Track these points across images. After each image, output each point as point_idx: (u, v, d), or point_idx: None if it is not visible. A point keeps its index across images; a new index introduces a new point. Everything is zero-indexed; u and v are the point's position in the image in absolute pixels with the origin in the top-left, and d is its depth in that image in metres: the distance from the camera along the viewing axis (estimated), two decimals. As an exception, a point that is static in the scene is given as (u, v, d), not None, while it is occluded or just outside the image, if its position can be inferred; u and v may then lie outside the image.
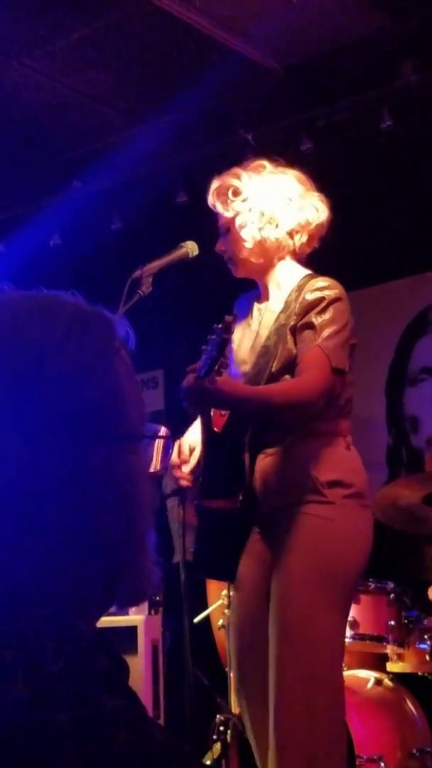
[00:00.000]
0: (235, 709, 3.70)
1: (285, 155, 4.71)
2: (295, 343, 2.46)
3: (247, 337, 2.62)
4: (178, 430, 5.70)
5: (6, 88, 4.41)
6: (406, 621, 3.58)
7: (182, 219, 4.97)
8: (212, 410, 2.51)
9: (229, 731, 3.56)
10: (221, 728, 3.57)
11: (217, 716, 3.62)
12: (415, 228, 5.20)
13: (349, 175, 4.83)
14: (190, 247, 2.69)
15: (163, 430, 0.94)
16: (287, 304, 2.53)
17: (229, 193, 2.53)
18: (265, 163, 2.59)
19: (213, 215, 5.43)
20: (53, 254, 5.36)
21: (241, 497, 2.46)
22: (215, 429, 2.52)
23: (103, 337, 0.86)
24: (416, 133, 4.54)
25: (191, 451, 2.57)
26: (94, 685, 0.72)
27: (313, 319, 2.43)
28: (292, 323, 2.48)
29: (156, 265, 2.59)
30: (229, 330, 2.30)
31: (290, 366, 2.46)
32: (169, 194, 5.05)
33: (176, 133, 4.70)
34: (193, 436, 2.61)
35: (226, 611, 3.85)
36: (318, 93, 4.49)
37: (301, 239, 2.57)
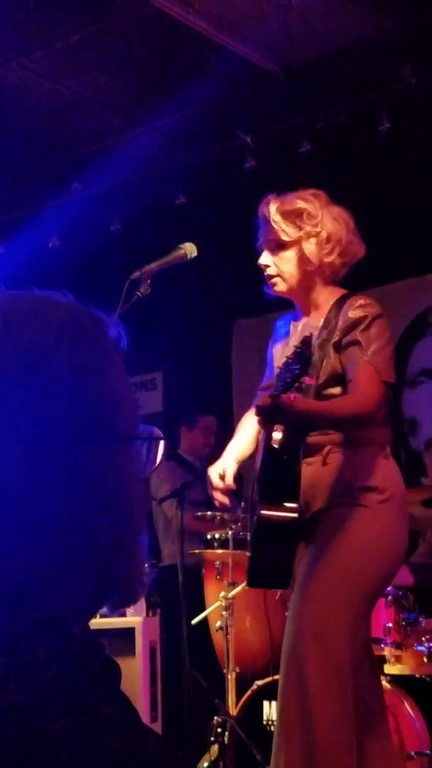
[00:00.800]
0: (233, 710, 3.70)
1: (284, 157, 4.74)
2: (339, 359, 2.60)
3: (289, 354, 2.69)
4: (176, 432, 5.70)
5: (6, 90, 4.42)
6: (404, 623, 3.58)
7: (181, 221, 4.98)
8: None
9: (226, 733, 3.56)
10: (219, 730, 3.57)
11: (215, 718, 3.62)
12: (414, 231, 5.21)
13: (348, 177, 4.83)
14: (189, 249, 2.70)
15: (155, 432, 0.94)
16: (327, 321, 2.66)
17: (304, 216, 2.67)
18: (322, 193, 2.76)
19: (212, 217, 5.43)
20: (52, 256, 5.36)
21: (298, 507, 2.54)
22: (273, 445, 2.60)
23: (95, 338, 0.86)
24: (415, 135, 4.54)
25: (223, 476, 2.72)
26: (88, 690, 0.72)
27: (359, 337, 2.58)
28: (335, 339, 2.61)
29: (155, 266, 2.60)
30: (310, 347, 2.44)
31: (335, 379, 2.60)
32: (168, 196, 5.05)
33: (175, 136, 4.71)
34: (224, 462, 2.77)
35: (223, 613, 3.86)
36: (317, 95, 4.50)
37: (344, 267, 2.76)
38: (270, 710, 3.59)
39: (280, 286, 2.75)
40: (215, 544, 4.16)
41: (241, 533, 4.18)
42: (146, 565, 0.91)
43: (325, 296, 2.72)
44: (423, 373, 5.93)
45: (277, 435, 2.53)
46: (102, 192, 5.05)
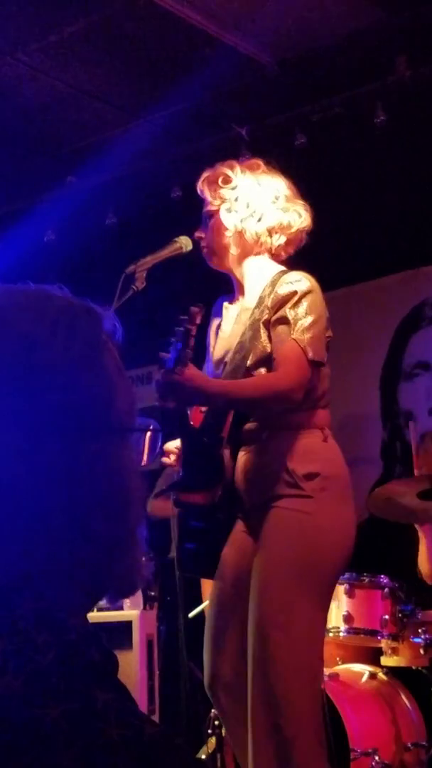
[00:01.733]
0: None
1: (279, 150, 4.73)
2: (270, 338, 2.47)
3: (222, 336, 2.64)
4: (172, 425, 5.69)
5: (0, 82, 4.41)
6: (400, 615, 3.59)
7: (176, 214, 4.97)
8: (189, 407, 2.53)
9: (223, 726, 3.57)
10: (216, 722, 3.57)
11: (212, 711, 3.63)
12: (409, 223, 5.20)
13: (343, 170, 4.83)
14: (184, 242, 2.69)
15: (153, 425, 0.94)
16: (261, 300, 2.53)
17: (219, 180, 2.60)
18: (261, 162, 2.65)
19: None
20: (47, 250, 5.36)
21: (219, 492, 2.45)
22: (193, 424, 2.52)
23: (90, 330, 0.86)
24: (410, 128, 4.54)
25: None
26: (85, 678, 0.72)
27: (287, 313, 2.44)
28: (265, 317, 2.49)
29: (150, 260, 2.59)
30: (193, 320, 2.30)
31: (265, 360, 2.48)
32: (164, 189, 5.04)
33: (170, 129, 4.70)
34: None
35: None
36: (312, 88, 4.49)
37: (279, 239, 2.61)
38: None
39: (210, 259, 2.66)
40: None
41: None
42: (144, 557, 0.93)
43: (261, 274, 2.57)
44: (418, 365, 5.92)
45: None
46: (97, 185, 5.04)
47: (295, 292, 2.46)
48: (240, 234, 2.59)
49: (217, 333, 2.71)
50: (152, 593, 3.85)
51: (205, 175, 2.66)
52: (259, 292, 2.56)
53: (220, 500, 2.46)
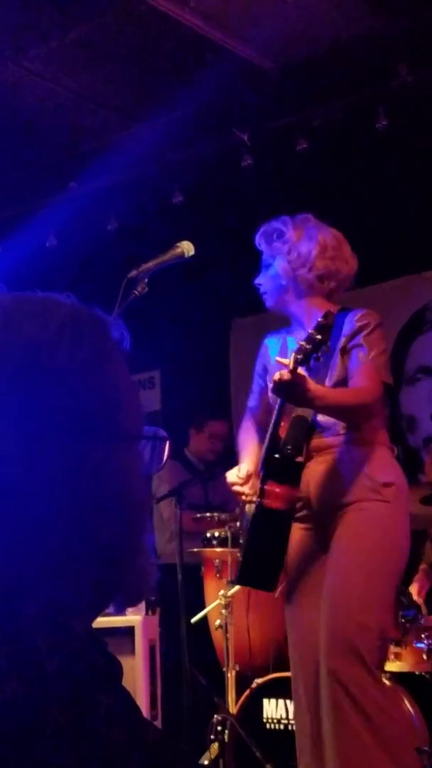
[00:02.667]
0: (232, 708, 3.70)
1: (280, 155, 4.74)
2: (344, 363, 2.84)
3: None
4: (174, 431, 5.70)
5: (1, 89, 4.41)
6: (403, 620, 3.58)
7: (178, 219, 4.97)
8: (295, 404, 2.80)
9: (226, 731, 3.56)
10: (219, 728, 3.57)
11: (215, 716, 3.62)
12: (410, 228, 5.21)
13: (345, 174, 4.83)
14: (186, 248, 2.70)
15: (160, 432, 0.94)
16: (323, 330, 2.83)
17: (274, 235, 2.95)
18: (310, 216, 3.02)
19: (208, 215, 5.43)
20: (49, 255, 5.36)
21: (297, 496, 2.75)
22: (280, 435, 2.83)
23: (97, 337, 0.86)
24: (412, 133, 4.54)
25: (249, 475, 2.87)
26: (89, 684, 0.72)
27: (362, 341, 2.81)
28: (341, 345, 2.84)
29: (152, 265, 2.60)
30: (328, 329, 2.64)
31: (343, 382, 2.83)
32: (165, 195, 5.05)
33: (172, 134, 4.70)
34: (248, 464, 2.91)
35: (223, 611, 3.85)
36: (313, 93, 4.50)
37: (329, 284, 2.95)
38: (270, 708, 3.59)
39: (269, 302, 3.02)
40: (214, 542, 4.16)
41: (240, 531, 4.19)
42: (151, 565, 0.92)
43: (313, 311, 2.89)
44: (421, 370, 5.92)
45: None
46: (99, 190, 5.05)
47: (369, 323, 2.84)
48: (294, 281, 2.93)
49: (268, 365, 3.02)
50: (153, 598, 3.85)
51: (261, 229, 3.01)
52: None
53: (290, 505, 2.76)
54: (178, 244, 2.70)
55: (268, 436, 2.80)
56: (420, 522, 3.61)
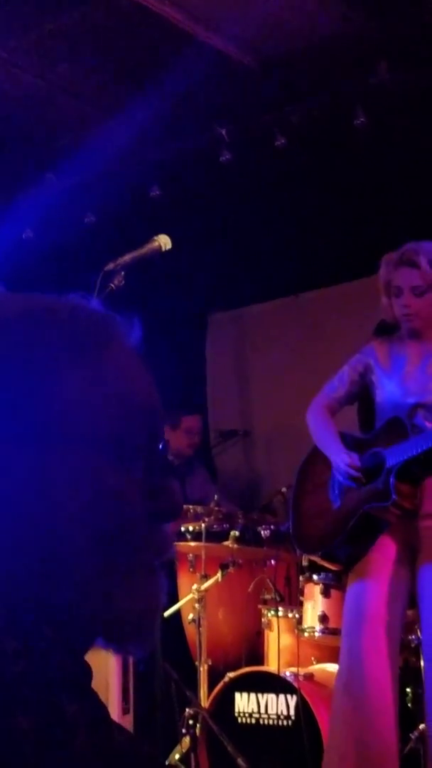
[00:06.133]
0: (204, 702, 3.71)
1: (259, 151, 4.74)
2: None
3: (407, 372, 3.12)
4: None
5: (-21, 79, 4.38)
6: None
7: (155, 213, 4.96)
8: None
9: (198, 725, 3.57)
10: (190, 722, 3.57)
11: (187, 710, 3.63)
12: (388, 224, 5.22)
13: (323, 171, 4.84)
14: (163, 241, 2.69)
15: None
16: None
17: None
18: None
19: (187, 209, 5.41)
20: (25, 247, 5.33)
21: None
22: None
23: (90, 335, 0.82)
24: (390, 130, 4.56)
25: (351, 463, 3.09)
26: (55, 688, 0.71)
27: None
28: None
29: (128, 258, 2.59)
30: None
31: None
32: (143, 188, 5.04)
33: (150, 128, 4.69)
34: (344, 454, 3.11)
35: (196, 605, 3.86)
36: (292, 89, 4.50)
37: None
38: (242, 702, 3.60)
39: (419, 323, 3.15)
40: (188, 536, 4.17)
41: (214, 526, 4.19)
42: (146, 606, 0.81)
43: None
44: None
45: None
46: (76, 183, 5.03)
47: None
48: None
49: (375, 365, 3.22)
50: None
51: (422, 253, 3.18)
52: None
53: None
54: (155, 238, 2.69)
55: (411, 441, 2.96)
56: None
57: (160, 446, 0.83)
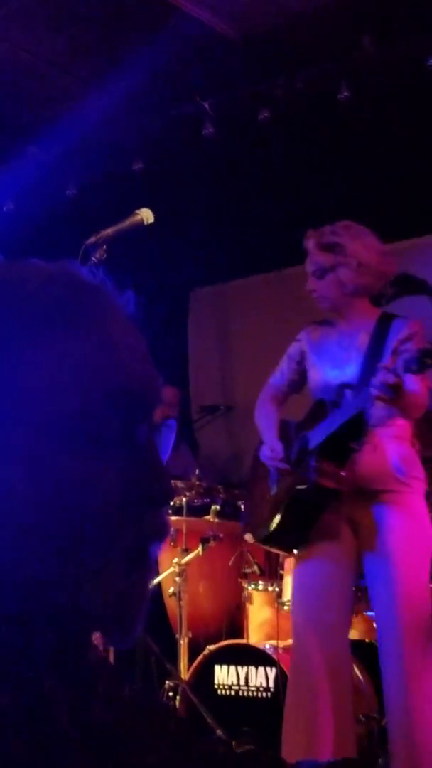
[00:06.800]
0: (184, 675, 3.74)
1: (242, 124, 4.71)
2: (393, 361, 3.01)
3: (333, 354, 3.12)
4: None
5: (-40, 49, 4.33)
6: (354, 589, 3.63)
7: (138, 186, 4.94)
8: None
9: (178, 697, 3.60)
10: (170, 694, 3.60)
11: (167, 682, 3.66)
12: (371, 199, 5.21)
13: (306, 145, 4.83)
14: (145, 215, 2.67)
15: (168, 422, 0.79)
16: (381, 330, 3.08)
17: (333, 245, 3.10)
18: (353, 225, 3.20)
19: (169, 183, 5.38)
20: (6, 220, 5.30)
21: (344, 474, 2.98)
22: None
23: (48, 312, 0.74)
24: (374, 105, 4.54)
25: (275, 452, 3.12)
26: (37, 664, 0.70)
27: (414, 346, 2.93)
28: (394, 346, 2.96)
29: (110, 231, 2.57)
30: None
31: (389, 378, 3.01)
32: (125, 161, 5.01)
33: (133, 100, 4.66)
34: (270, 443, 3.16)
35: (177, 579, 3.88)
36: (276, 62, 4.47)
37: (378, 284, 3.14)
38: (221, 674, 3.63)
39: (326, 305, 3.15)
40: (169, 510, 4.18)
41: (195, 501, 4.20)
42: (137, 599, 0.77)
43: (365, 310, 3.14)
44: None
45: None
46: (58, 156, 4.99)
47: (418, 332, 2.96)
48: (355, 287, 3.10)
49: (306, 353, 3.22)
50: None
51: (315, 239, 3.17)
52: (364, 324, 3.10)
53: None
54: (138, 212, 2.68)
55: (328, 419, 2.99)
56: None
57: (146, 429, 0.77)
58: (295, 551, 3.11)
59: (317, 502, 3.00)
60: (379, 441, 3.02)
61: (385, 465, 2.99)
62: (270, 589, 3.85)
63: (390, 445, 3.02)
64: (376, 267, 3.08)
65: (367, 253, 3.10)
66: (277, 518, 3.04)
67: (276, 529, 3.05)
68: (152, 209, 2.69)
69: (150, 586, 0.78)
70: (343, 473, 2.95)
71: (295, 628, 3.02)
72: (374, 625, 3.49)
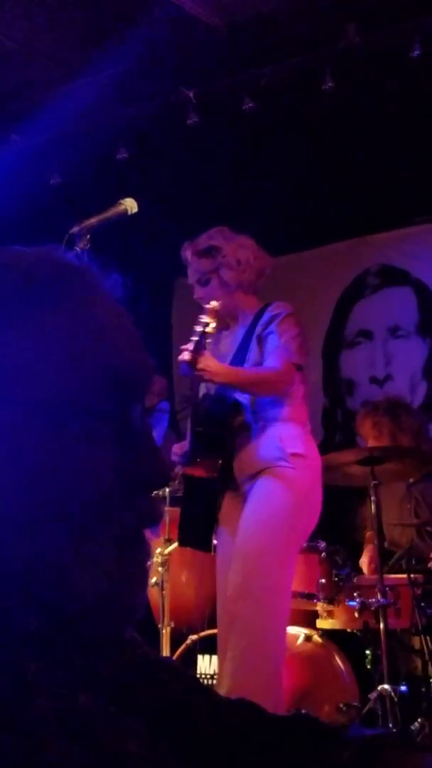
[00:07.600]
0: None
1: (226, 114, 4.70)
2: (260, 349, 3.15)
3: (219, 358, 3.18)
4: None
5: None
6: (336, 579, 3.65)
7: (122, 175, 4.92)
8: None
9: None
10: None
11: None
12: (355, 190, 5.22)
13: (290, 135, 4.82)
14: (129, 205, 2.67)
15: (161, 405, 0.78)
16: (254, 321, 3.20)
17: (213, 251, 3.23)
18: (225, 229, 3.30)
19: (153, 171, 5.36)
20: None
21: (220, 464, 3.08)
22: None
23: (31, 293, 0.75)
24: (358, 94, 4.54)
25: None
26: (18, 649, 0.69)
27: (275, 328, 3.13)
28: (257, 333, 3.16)
29: (94, 221, 2.57)
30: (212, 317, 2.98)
31: (258, 364, 3.13)
32: (110, 150, 4.99)
33: (117, 88, 4.63)
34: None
35: (160, 569, 3.88)
36: (261, 52, 4.46)
37: (259, 280, 3.29)
38: (204, 664, 3.64)
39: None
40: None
41: (179, 492, 4.20)
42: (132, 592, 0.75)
43: (250, 306, 3.25)
44: (360, 333, 5.98)
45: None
46: (42, 144, 4.96)
47: (281, 313, 3.15)
48: (239, 285, 3.24)
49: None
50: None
51: (191, 249, 3.29)
52: (249, 320, 3.22)
53: (219, 474, 3.10)
54: (122, 201, 2.68)
55: (192, 412, 3.15)
56: (359, 480, 3.67)
57: (138, 412, 0.76)
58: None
59: (205, 496, 3.15)
60: (256, 425, 3.12)
61: (260, 447, 3.08)
62: (253, 578, 3.86)
63: (268, 427, 3.10)
64: (254, 263, 3.23)
65: (244, 251, 3.24)
66: (180, 518, 3.25)
67: (180, 530, 3.26)
68: (136, 198, 2.68)
69: (146, 569, 0.77)
70: (212, 462, 3.11)
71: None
72: (356, 614, 3.52)
